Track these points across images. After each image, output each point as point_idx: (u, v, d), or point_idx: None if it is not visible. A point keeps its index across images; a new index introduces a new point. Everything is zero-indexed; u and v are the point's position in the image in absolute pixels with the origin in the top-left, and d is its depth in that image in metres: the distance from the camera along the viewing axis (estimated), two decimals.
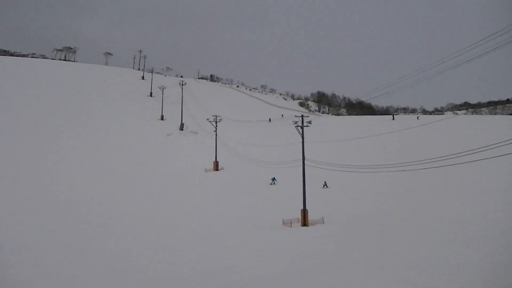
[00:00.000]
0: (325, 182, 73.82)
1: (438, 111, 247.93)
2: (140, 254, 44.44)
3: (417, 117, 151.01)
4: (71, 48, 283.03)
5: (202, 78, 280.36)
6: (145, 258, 42.90)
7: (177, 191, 78.38)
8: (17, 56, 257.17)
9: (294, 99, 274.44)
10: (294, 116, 66.88)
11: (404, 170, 59.66)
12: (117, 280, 36.74)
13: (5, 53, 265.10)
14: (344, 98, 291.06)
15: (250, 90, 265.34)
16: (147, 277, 37.35)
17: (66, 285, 35.07)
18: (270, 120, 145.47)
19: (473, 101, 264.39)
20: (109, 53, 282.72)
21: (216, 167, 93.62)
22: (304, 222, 54.88)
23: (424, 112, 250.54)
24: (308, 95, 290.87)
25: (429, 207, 54.16)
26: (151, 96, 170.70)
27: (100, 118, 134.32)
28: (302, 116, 62.38)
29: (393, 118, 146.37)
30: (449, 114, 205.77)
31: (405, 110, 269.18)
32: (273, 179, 79.62)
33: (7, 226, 53.06)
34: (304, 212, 55.31)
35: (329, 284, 32.53)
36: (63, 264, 40.53)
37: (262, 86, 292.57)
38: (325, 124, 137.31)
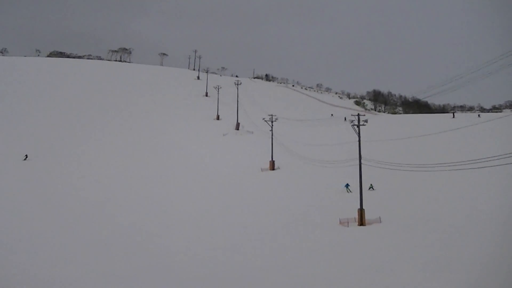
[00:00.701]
0: (371, 184, 70.76)
1: (496, 109, 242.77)
2: (196, 252, 44.93)
3: (478, 115, 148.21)
4: (126, 49, 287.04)
5: (257, 77, 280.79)
6: (200, 257, 43.37)
7: (233, 190, 78.78)
8: (73, 57, 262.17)
9: (349, 98, 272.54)
10: (350, 115, 66.32)
11: (462, 169, 58.80)
12: (172, 277, 37.26)
13: (61, 55, 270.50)
14: (400, 96, 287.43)
15: (305, 89, 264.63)
16: (200, 276, 37.77)
17: (120, 284, 35.73)
18: (346, 119, 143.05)
19: None
20: (164, 54, 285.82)
21: (273, 166, 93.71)
22: (361, 222, 54.60)
23: (482, 110, 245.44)
24: (364, 93, 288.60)
25: (484, 208, 53.28)
26: (206, 96, 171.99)
27: (155, 118, 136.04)
28: (358, 114, 61.99)
29: (453, 116, 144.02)
30: (507, 111, 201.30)
31: (462, 108, 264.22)
32: (347, 185, 72.05)
33: (63, 226, 54.30)
34: (361, 211, 55.02)
35: (387, 284, 32.43)
36: (118, 263, 41.31)
37: (317, 85, 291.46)
38: (382, 123, 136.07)
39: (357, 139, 60.05)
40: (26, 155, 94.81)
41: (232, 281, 36.30)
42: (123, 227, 55.06)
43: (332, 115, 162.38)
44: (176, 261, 42.18)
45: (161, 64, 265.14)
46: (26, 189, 73.53)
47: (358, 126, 60.33)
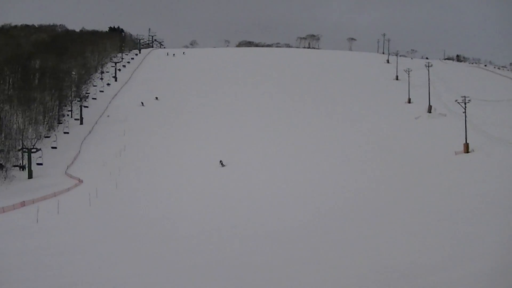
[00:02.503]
0: None
1: None
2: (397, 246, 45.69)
3: None
4: (314, 36, 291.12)
5: (447, 58, 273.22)
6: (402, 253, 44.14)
7: (428, 174, 78.82)
8: (262, 46, 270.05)
9: None
10: None
11: None
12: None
13: (250, 44, 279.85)
14: None
15: (498, 68, 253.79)
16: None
17: None
18: None
19: None
20: (352, 39, 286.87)
21: (467, 149, 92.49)
22: None
23: None
24: None
25: None
26: (396, 79, 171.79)
27: (345, 104, 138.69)
28: None
29: None
30: None
31: None
32: None
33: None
34: None
35: None
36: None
37: (511, 63, 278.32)
38: None
39: None
40: (221, 161, 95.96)
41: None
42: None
43: None
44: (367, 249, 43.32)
45: (350, 49, 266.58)
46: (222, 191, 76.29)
47: None
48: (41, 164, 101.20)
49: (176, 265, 32.09)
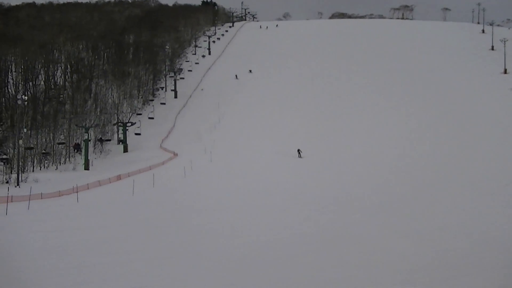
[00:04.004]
0: None
1: None
2: None
3: None
4: (408, 6, 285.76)
5: None
6: None
7: None
8: (355, 18, 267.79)
9: None
10: None
11: None
12: None
13: (343, 16, 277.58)
14: None
15: None
16: None
17: None
18: None
19: None
20: (447, 9, 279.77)
21: None
22: None
23: None
24: None
25: None
26: (492, 49, 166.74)
27: (437, 74, 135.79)
28: None
29: None
30: None
31: None
32: None
33: None
34: None
35: None
36: None
37: None
38: None
39: None
40: (298, 150, 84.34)
41: None
42: None
43: None
44: None
45: (444, 20, 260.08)
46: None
47: None
48: (139, 134, 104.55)
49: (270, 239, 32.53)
